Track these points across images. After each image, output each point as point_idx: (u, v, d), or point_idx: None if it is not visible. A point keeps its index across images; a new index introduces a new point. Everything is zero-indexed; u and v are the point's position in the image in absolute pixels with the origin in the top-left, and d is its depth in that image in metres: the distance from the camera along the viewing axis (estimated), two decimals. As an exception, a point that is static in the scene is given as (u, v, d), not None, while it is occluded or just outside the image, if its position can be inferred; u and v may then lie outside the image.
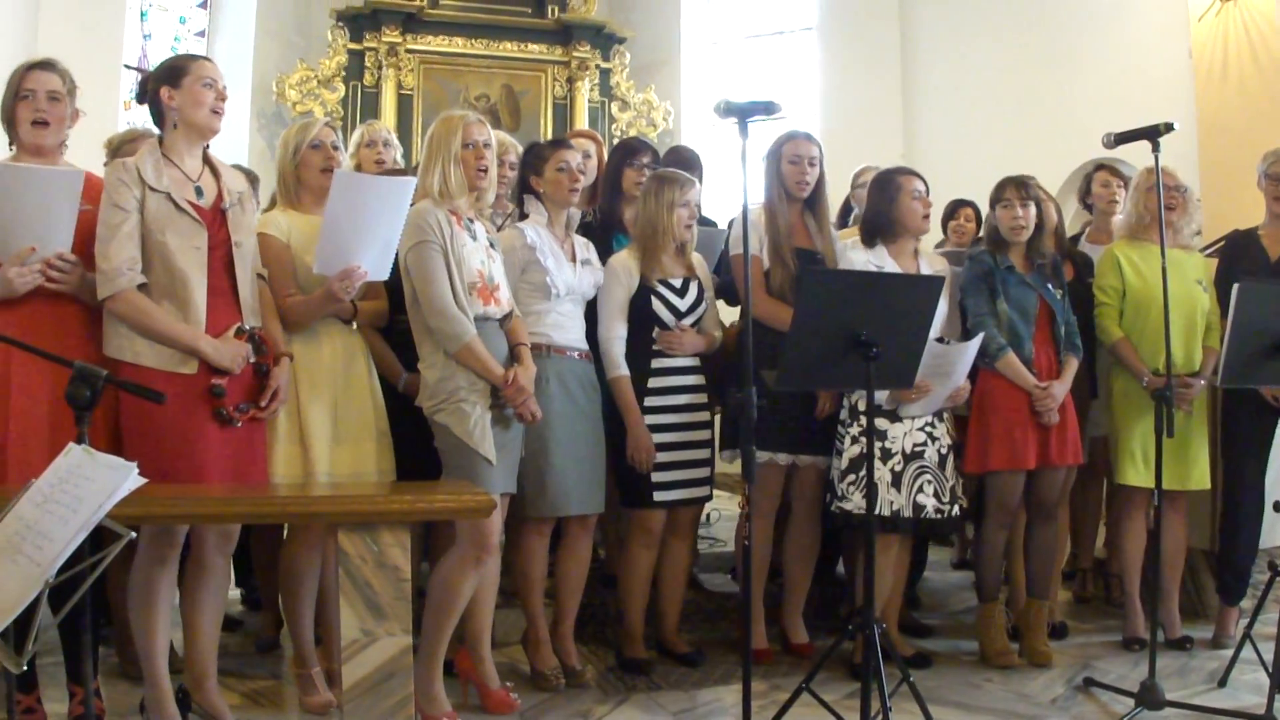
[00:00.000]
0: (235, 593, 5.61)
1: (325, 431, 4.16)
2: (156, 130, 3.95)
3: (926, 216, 5.08)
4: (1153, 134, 4.49)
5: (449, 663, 4.37)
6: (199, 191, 3.85)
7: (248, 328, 3.87)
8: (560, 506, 4.56)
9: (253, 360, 3.87)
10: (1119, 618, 5.64)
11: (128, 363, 3.67)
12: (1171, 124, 4.48)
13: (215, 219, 3.85)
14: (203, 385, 3.72)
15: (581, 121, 11.27)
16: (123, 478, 2.53)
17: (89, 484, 2.52)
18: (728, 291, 5.45)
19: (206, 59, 3.99)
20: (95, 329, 3.78)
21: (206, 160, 3.97)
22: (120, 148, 4.85)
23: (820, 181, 5.12)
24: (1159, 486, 4.59)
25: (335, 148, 4.48)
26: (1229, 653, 5.01)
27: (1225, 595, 5.53)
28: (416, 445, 4.34)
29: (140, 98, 4.02)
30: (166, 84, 3.84)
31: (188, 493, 3.44)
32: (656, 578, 5.04)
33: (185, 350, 3.70)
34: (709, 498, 5.13)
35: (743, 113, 3.59)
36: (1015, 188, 5.14)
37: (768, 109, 3.60)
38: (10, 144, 4.02)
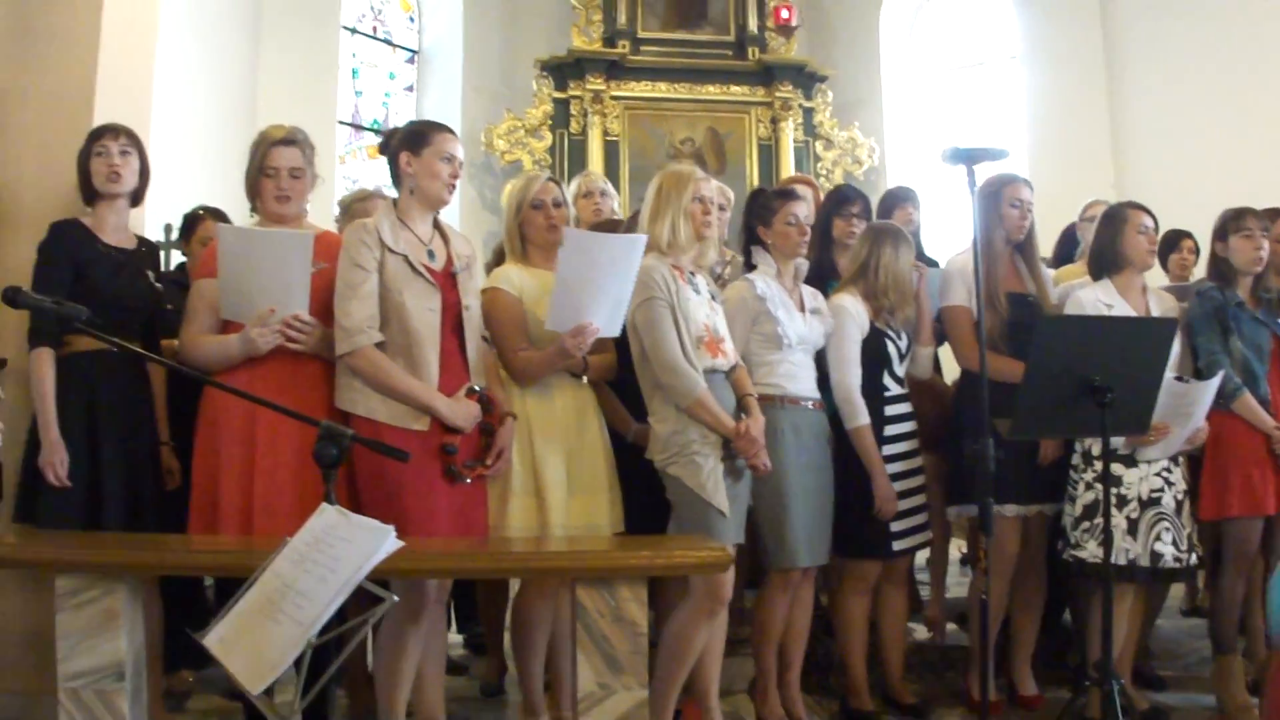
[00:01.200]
0: (456, 638, 5.76)
1: (560, 484, 4.22)
2: (381, 187, 4.09)
3: (1153, 251, 4.95)
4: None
5: (676, 712, 4.38)
6: (431, 255, 3.97)
7: (477, 388, 3.99)
8: (795, 559, 4.55)
9: (480, 419, 3.98)
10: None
11: (361, 417, 3.79)
12: None
13: (447, 282, 3.97)
14: (434, 442, 3.84)
15: (786, 161, 11.33)
16: (381, 540, 2.62)
17: (346, 545, 2.61)
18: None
19: (449, 131, 4.08)
20: (334, 386, 3.93)
21: (436, 224, 4.10)
22: (351, 206, 5.06)
23: (1033, 227, 5.05)
24: None
25: (557, 204, 4.53)
26: None
27: None
28: (642, 495, 4.38)
29: (383, 149, 4.17)
30: (408, 149, 3.97)
31: (433, 547, 3.55)
32: (877, 625, 5.00)
33: (421, 408, 3.82)
34: (930, 542, 5.08)
35: (971, 158, 3.56)
36: (1255, 218, 4.95)
37: (996, 155, 3.55)
38: (252, 211, 4.24)
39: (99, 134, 4.25)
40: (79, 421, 4.09)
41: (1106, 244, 4.92)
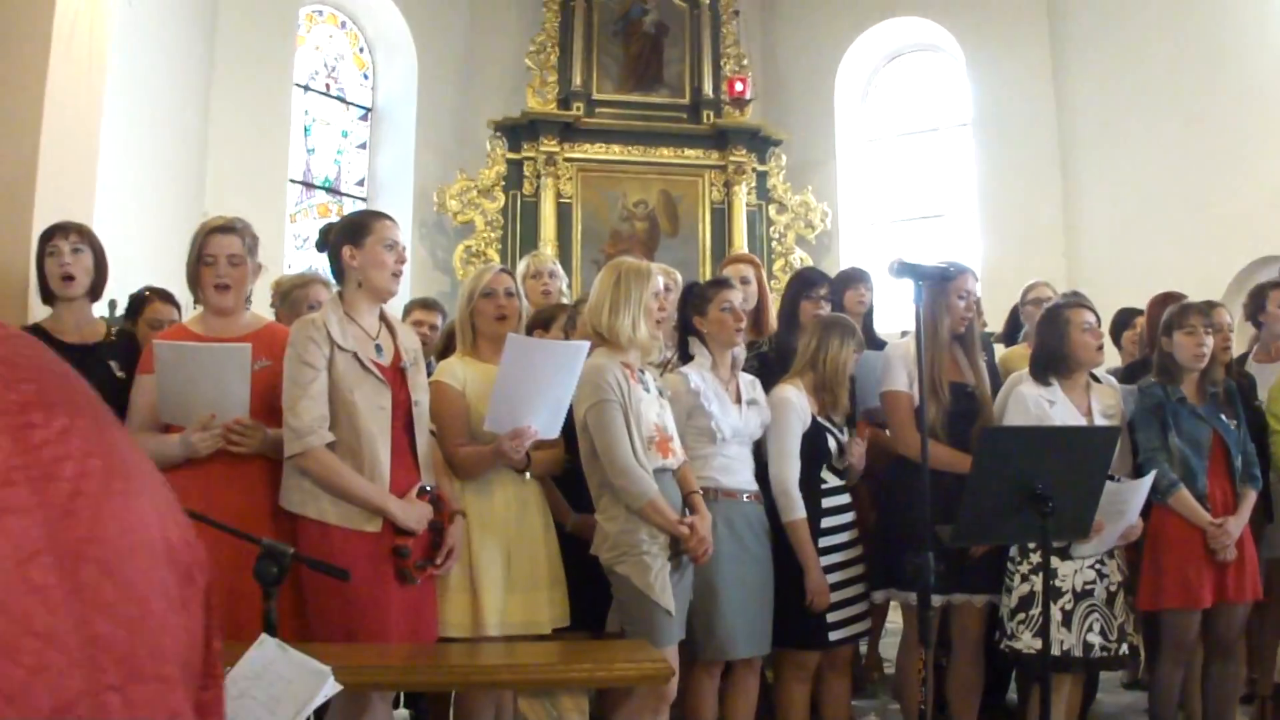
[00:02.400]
0: (404, 712, 5.71)
1: (498, 581, 4.19)
2: (317, 268, 4.04)
3: (1100, 348, 4.99)
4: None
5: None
6: (379, 349, 3.94)
7: (428, 488, 3.96)
8: (729, 650, 4.54)
9: (430, 519, 3.95)
10: (1303, 750, 5.44)
11: (311, 519, 3.75)
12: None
13: (396, 378, 3.94)
14: (386, 544, 3.79)
15: (740, 225, 11.37)
16: (320, 684, 2.58)
17: (286, 685, 2.57)
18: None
19: (388, 218, 4.05)
20: (277, 483, 3.89)
21: (383, 318, 4.06)
22: (290, 292, 4.98)
23: (973, 316, 5.06)
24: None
25: (509, 294, 4.51)
26: None
27: None
28: (591, 586, 4.35)
29: (320, 246, 4.13)
30: (349, 242, 3.92)
31: (374, 659, 3.53)
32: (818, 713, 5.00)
33: (375, 510, 3.77)
34: (870, 631, 5.09)
35: (917, 275, 3.59)
36: (1199, 314, 5.00)
37: (944, 275, 3.59)
38: (195, 302, 4.21)
39: (50, 234, 4.21)
40: None
41: (1053, 347, 4.93)
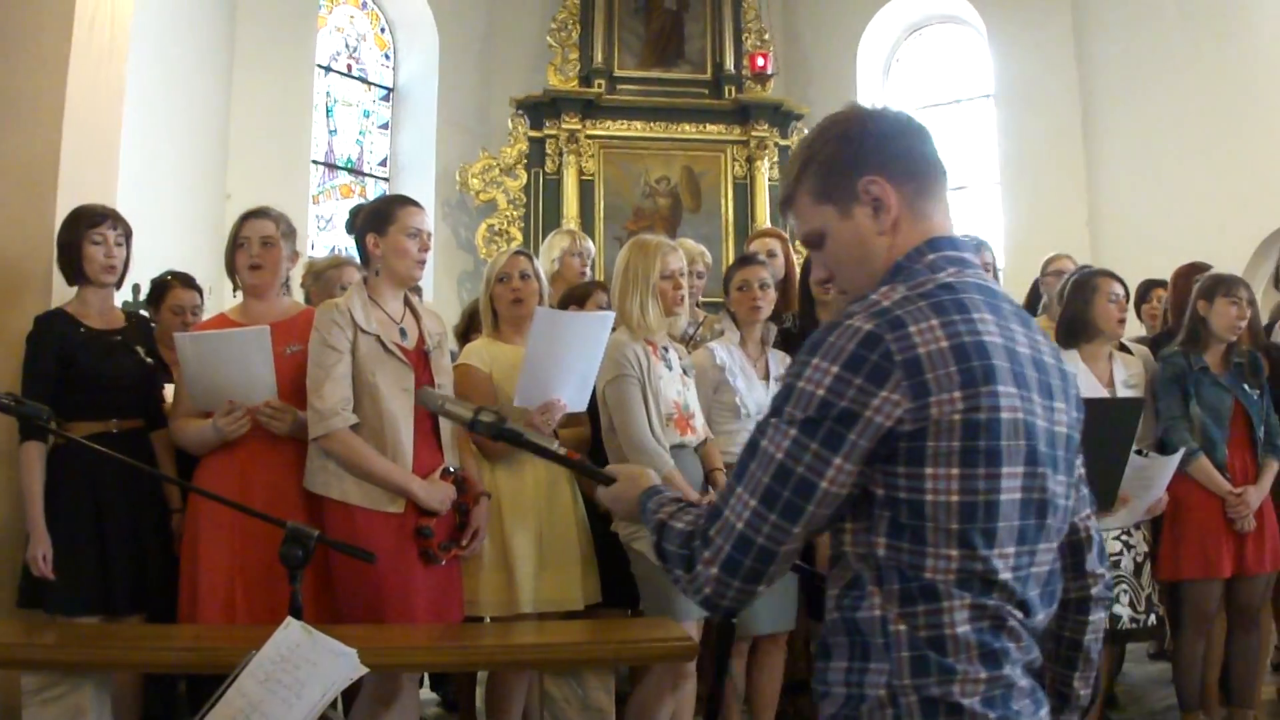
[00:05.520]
0: (430, 695, 5.75)
1: (530, 559, 4.22)
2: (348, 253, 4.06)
3: (1122, 320, 4.98)
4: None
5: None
6: (403, 333, 3.98)
7: (452, 469, 3.99)
8: (753, 626, 4.54)
9: (455, 500, 3.98)
10: (1329, 719, 5.43)
11: (335, 500, 3.80)
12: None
13: (419, 361, 3.98)
14: (410, 525, 3.84)
15: (762, 200, 11.33)
16: (347, 668, 2.61)
17: (312, 668, 2.60)
18: None
19: (413, 204, 4.07)
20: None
21: (407, 302, 4.10)
22: (324, 272, 5.04)
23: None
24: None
25: (524, 277, 4.54)
26: None
27: None
28: (620, 561, 4.38)
29: (349, 228, 4.20)
30: (373, 231, 3.96)
31: (402, 640, 3.56)
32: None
33: (397, 491, 3.81)
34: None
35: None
36: (1244, 285, 5.01)
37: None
38: (234, 290, 4.26)
39: (96, 220, 4.19)
40: (84, 506, 4.08)
41: (1077, 313, 4.94)
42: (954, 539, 1.74)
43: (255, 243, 4.12)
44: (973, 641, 1.75)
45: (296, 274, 4.54)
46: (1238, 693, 5.11)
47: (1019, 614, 1.81)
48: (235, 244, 4.15)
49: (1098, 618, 2.13)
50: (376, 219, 3.99)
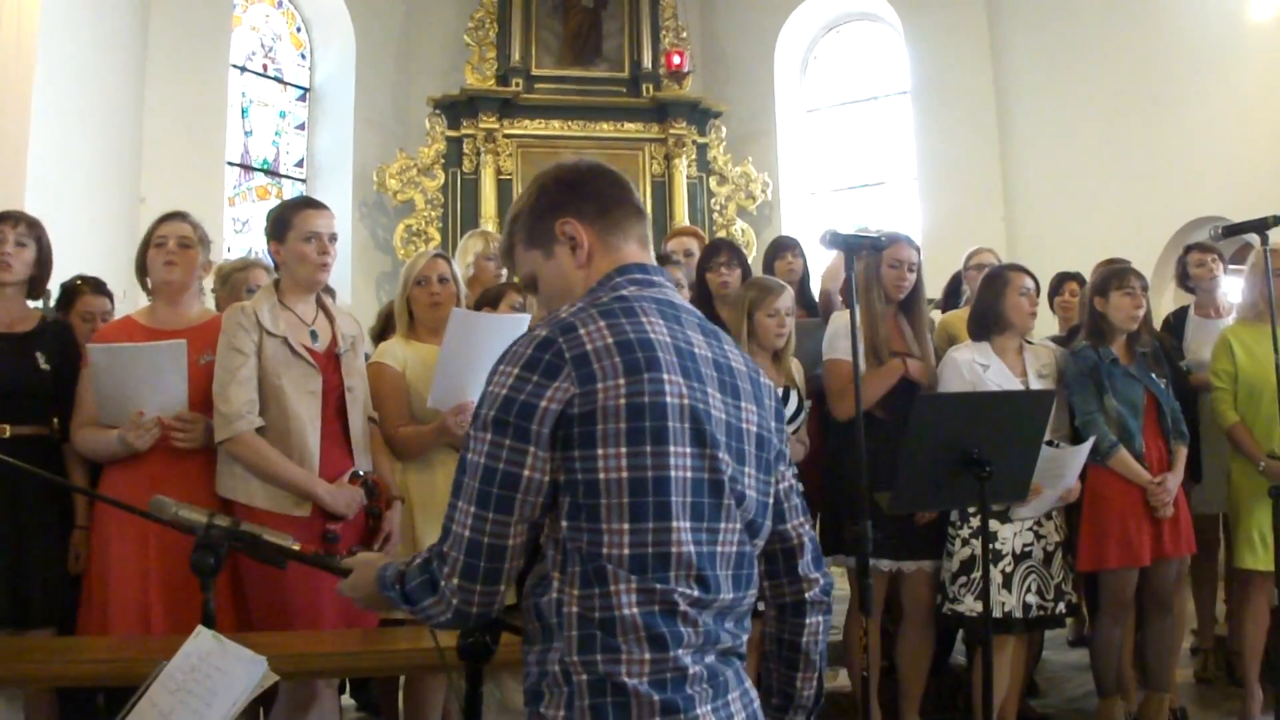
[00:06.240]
0: (349, 701, 5.70)
1: None
2: (259, 254, 4.01)
3: (1033, 314, 5.05)
4: (1260, 227, 4.55)
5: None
6: (314, 335, 3.94)
7: (361, 473, 3.95)
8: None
9: (365, 504, 3.94)
10: (1242, 698, 5.52)
11: (241, 503, 3.75)
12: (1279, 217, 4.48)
13: (329, 363, 3.94)
14: (316, 530, 3.79)
15: (681, 198, 11.41)
16: (256, 674, 2.56)
17: (222, 676, 2.56)
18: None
19: (310, 206, 4.02)
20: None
21: (321, 304, 4.06)
22: (230, 276, 4.98)
23: (918, 286, 5.07)
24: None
25: (442, 280, 4.52)
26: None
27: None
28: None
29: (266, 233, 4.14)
30: (274, 238, 3.94)
31: (314, 646, 3.51)
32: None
33: (302, 495, 3.78)
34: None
35: (849, 245, 3.62)
36: (1137, 276, 5.07)
37: (875, 245, 3.61)
38: (147, 293, 4.17)
39: None
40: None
41: (988, 306, 5.02)
42: (625, 513, 1.89)
43: (172, 241, 4.03)
44: (640, 624, 1.89)
45: (208, 284, 4.45)
46: (1154, 676, 5.19)
47: (697, 590, 1.94)
48: (150, 243, 4.06)
49: (814, 620, 2.25)
50: (277, 226, 3.95)
